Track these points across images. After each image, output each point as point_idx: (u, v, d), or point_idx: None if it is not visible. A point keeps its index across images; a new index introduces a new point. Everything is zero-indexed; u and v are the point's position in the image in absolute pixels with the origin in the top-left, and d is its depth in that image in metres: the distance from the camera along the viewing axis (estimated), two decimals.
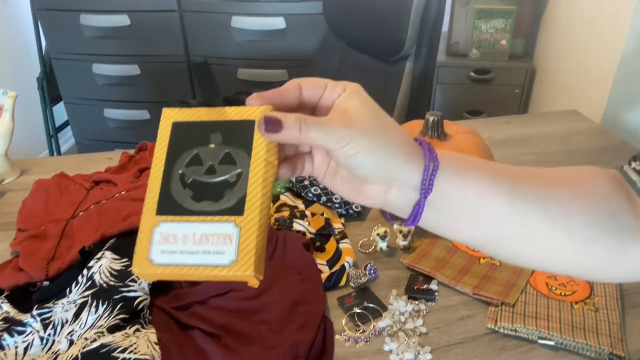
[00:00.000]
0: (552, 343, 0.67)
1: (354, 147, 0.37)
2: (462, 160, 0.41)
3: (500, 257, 0.44)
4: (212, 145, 0.40)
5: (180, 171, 0.40)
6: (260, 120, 0.37)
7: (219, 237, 0.38)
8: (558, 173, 0.44)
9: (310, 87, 0.40)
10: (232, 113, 0.41)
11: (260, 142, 0.39)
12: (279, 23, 2.12)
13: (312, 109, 0.41)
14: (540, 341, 0.68)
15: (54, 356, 0.63)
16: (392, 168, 0.38)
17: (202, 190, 0.39)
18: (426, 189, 0.38)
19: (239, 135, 0.40)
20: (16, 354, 0.64)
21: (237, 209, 0.38)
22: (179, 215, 0.39)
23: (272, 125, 0.37)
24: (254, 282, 0.38)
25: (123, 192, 0.94)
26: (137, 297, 0.69)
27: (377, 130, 0.38)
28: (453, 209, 0.40)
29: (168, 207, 0.39)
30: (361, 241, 0.88)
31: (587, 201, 0.41)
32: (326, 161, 0.42)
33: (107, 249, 0.76)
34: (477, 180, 0.40)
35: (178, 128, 0.41)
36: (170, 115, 0.42)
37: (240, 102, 0.42)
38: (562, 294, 0.74)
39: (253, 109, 0.40)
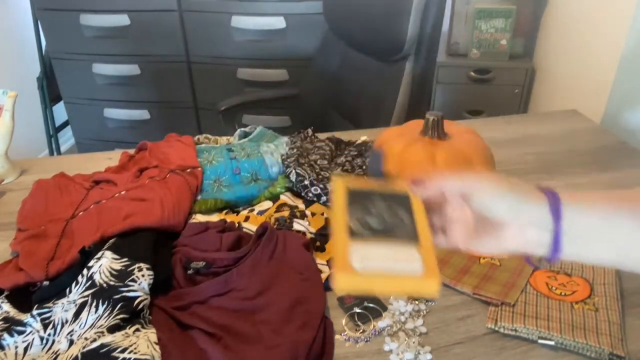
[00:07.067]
0: (552, 343, 0.67)
1: (487, 192, 0.48)
2: (578, 193, 0.49)
3: None
4: (380, 204, 0.52)
5: (357, 217, 0.50)
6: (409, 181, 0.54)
7: (405, 254, 0.48)
8: None
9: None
10: (391, 186, 0.54)
11: (418, 211, 0.52)
12: (279, 23, 2.12)
13: None
14: (540, 341, 0.68)
15: (54, 356, 0.63)
16: (520, 204, 0.48)
17: (378, 231, 0.50)
18: (558, 215, 0.46)
19: (399, 201, 0.53)
20: (16, 354, 0.64)
21: (412, 236, 0.49)
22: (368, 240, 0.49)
23: (416, 184, 0.53)
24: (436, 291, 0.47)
25: (123, 192, 0.94)
26: (137, 297, 0.69)
27: (501, 179, 0.49)
28: (583, 234, 0.47)
29: (355, 237, 0.49)
30: None
31: None
32: (463, 225, 0.51)
33: (107, 249, 0.76)
34: (601, 207, 0.47)
35: (351, 192, 0.54)
36: (341, 182, 0.55)
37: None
38: (562, 293, 0.74)
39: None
